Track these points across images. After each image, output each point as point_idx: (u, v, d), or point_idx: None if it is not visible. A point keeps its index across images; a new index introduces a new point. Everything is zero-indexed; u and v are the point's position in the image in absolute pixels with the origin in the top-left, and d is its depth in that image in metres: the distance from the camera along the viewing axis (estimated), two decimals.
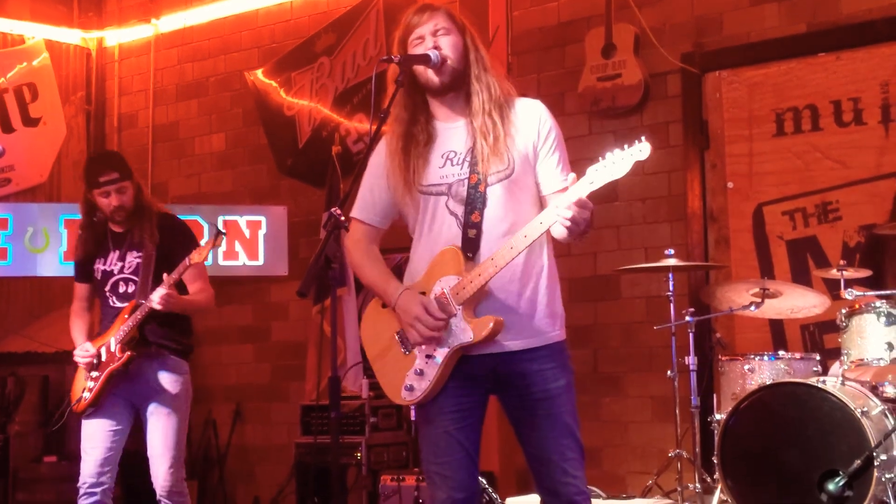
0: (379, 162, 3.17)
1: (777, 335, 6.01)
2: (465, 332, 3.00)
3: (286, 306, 7.65)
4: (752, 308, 5.17)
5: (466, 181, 3.06)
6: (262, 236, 7.29)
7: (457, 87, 3.14)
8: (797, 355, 5.07)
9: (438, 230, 3.10)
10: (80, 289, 4.84)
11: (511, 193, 3.07)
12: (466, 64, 3.13)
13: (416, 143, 3.12)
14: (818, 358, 5.04)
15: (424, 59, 3.11)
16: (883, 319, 4.63)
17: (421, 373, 3.05)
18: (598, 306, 6.48)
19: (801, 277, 5.89)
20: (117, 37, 8.77)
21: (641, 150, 2.83)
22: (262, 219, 7.25)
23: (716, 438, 4.82)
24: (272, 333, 7.78)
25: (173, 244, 4.58)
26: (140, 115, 8.65)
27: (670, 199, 6.32)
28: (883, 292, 4.76)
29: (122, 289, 4.62)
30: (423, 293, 3.06)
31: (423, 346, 3.05)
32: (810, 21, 6.02)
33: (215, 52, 8.29)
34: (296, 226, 7.48)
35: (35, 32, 8.46)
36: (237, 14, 8.18)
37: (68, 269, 7.45)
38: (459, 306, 3.00)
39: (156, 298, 4.36)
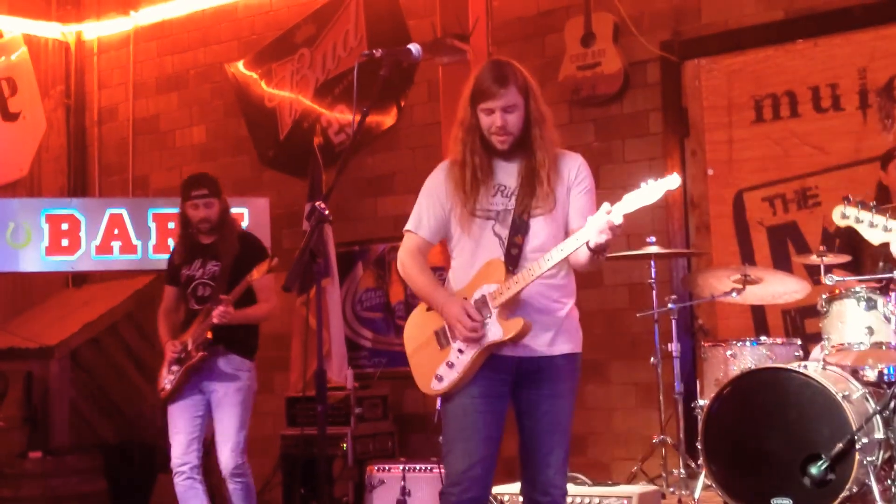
0: (438, 184, 3.51)
1: (759, 321, 6.05)
2: (496, 331, 3.34)
3: None
4: (734, 295, 5.20)
5: (513, 211, 3.45)
6: (245, 228, 7.27)
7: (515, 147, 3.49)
8: (779, 340, 5.11)
9: (484, 247, 3.45)
10: (169, 291, 5.51)
11: (548, 226, 3.44)
12: (527, 128, 3.44)
13: (482, 176, 3.46)
14: (799, 343, 5.08)
15: (406, 54, 3.15)
16: (863, 304, 4.66)
17: (451, 365, 3.39)
18: (581, 294, 6.41)
19: (781, 263, 5.94)
20: (96, 30, 8.74)
21: (672, 181, 3.15)
22: (245, 211, 7.21)
23: (699, 424, 4.86)
24: None
25: (247, 259, 5.23)
26: (120, 109, 8.61)
27: None
28: (863, 277, 4.81)
29: (200, 292, 5.32)
30: (465, 298, 3.42)
31: (460, 343, 3.38)
32: (788, 8, 6.05)
33: (195, 44, 8.26)
34: (278, 217, 7.47)
35: (13, 27, 8.40)
36: (216, 6, 8.15)
37: (50, 265, 7.51)
38: (495, 309, 3.34)
39: (215, 315, 5.09)
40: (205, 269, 5.34)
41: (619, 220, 3.14)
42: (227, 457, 5.15)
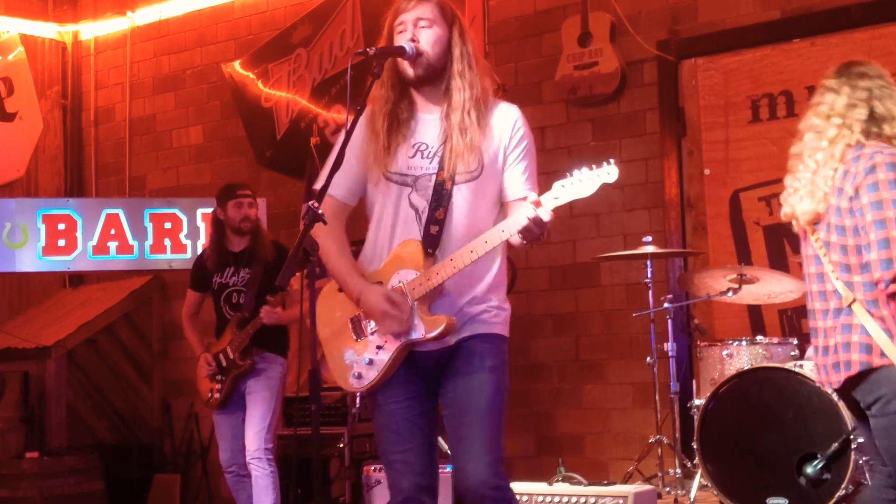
0: (355, 137, 3.07)
1: (755, 320, 6.05)
2: (417, 328, 3.04)
3: None
4: (730, 294, 5.20)
5: (434, 177, 3.06)
6: None
7: (434, 81, 3.14)
8: (775, 340, 5.11)
9: (397, 221, 3.10)
10: (193, 296, 5.84)
11: (475, 195, 3.07)
12: (448, 59, 3.12)
13: (398, 124, 3.11)
14: (796, 342, 5.08)
15: (399, 52, 3.11)
16: None
17: (370, 362, 3.09)
18: (579, 294, 6.50)
19: (778, 263, 5.93)
20: (93, 30, 8.73)
21: (609, 172, 2.87)
22: None
23: (695, 424, 4.86)
24: None
25: (278, 268, 5.37)
26: (117, 109, 8.61)
27: (648, 186, 6.34)
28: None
29: (234, 299, 5.63)
30: (380, 282, 3.09)
31: (377, 336, 3.09)
32: (784, 7, 6.05)
33: (191, 44, 8.26)
34: (275, 217, 7.46)
35: (10, 27, 8.40)
36: (213, 6, 8.15)
37: (47, 265, 7.51)
38: (415, 301, 3.04)
39: (263, 314, 5.42)
40: (238, 277, 5.62)
41: (547, 217, 2.83)
42: (250, 440, 5.44)
